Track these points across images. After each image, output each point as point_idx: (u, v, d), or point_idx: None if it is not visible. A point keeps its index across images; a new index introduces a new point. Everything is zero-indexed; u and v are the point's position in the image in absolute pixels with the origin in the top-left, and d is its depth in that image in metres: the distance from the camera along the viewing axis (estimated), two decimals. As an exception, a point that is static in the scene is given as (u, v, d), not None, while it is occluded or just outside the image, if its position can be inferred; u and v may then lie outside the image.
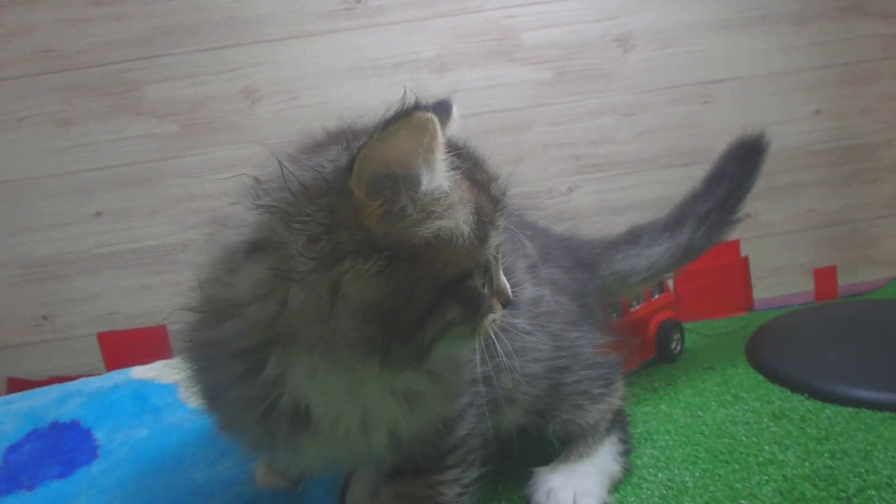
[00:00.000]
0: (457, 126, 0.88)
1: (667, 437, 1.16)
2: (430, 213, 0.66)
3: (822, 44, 1.84)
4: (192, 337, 0.80)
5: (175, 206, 1.75)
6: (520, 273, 0.99)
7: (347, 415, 0.78)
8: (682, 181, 1.79)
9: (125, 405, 1.35)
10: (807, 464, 1.02)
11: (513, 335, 0.93)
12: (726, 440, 1.12)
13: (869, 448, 1.04)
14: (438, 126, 0.62)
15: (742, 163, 1.32)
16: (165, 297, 1.77)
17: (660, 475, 1.04)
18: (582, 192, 1.84)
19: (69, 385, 1.45)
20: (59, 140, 1.71)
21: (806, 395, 1.26)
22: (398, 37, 1.75)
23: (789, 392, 1.28)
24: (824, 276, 1.92)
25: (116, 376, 1.46)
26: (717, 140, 1.80)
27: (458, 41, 1.76)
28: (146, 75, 1.72)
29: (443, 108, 0.85)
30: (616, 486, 1.02)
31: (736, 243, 1.87)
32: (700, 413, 1.24)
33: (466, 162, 0.71)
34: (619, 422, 1.10)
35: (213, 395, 0.84)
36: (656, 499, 0.98)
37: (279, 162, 0.68)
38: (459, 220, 0.68)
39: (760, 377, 1.37)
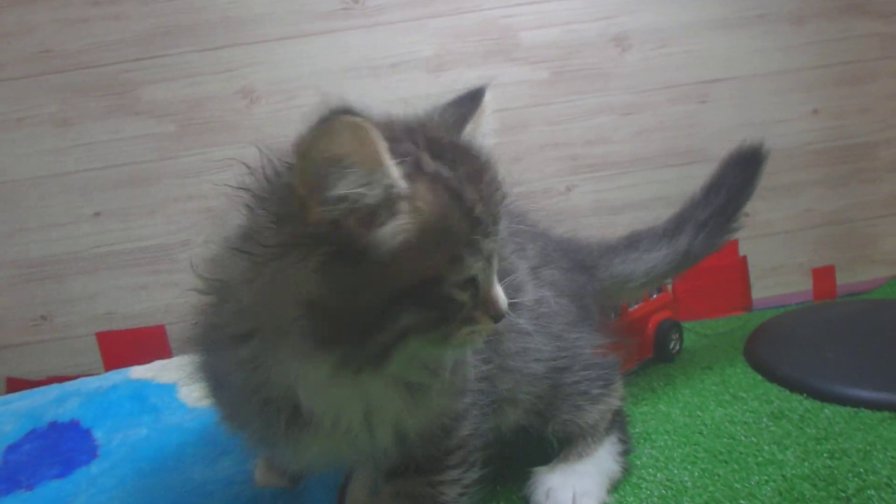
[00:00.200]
0: (487, 119, 0.85)
1: (666, 437, 1.16)
2: (368, 218, 0.65)
3: (821, 43, 1.84)
4: (199, 320, 0.81)
5: (173, 205, 1.75)
6: (522, 274, 0.99)
7: (348, 411, 0.78)
8: (680, 181, 1.80)
9: (124, 405, 1.35)
10: (806, 463, 1.02)
11: (515, 336, 0.93)
12: (725, 440, 1.12)
13: (868, 448, 1.04)
14: (369, 133, 0.61)
15: (741, 171, 1.33)
16: (163, 297, 1.77)
17: (659, 475, 1.04)
18: (579, 192, 1.84)
19: (68, 385, 1.45)
20: (57, 140, 1.71)
21: (805, 394, 1.26)
22: (396, 36, 1.75)
23: (788, 392, 1.28)
24: (823, 276, 1.93)
25: (115, 376, 1.47)
26: (715, 140, 1.82)
27: (456, 41, 1.76)
28: (144, 76, 1.72)
29: (468, 100, 0.84)
30: (615, 486, 1.02)
31: (734, 243, 1.87)
32: (699, 413, 1.24)
33: (449, 172, 0.70)
34: (618, 422, 1.10)
35: (217, 384, 0.85)
36: (655, 499, 0.98)
37: (260, 150, 0.71)
38: (410, 230, 0.66)
39: (759, 377, 1.37)
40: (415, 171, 0.67)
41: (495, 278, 0.76)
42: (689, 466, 1.05)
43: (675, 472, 1.04)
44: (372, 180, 0.64)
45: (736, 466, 1.04)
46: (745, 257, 1.90)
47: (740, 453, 1.07)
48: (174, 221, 1.76)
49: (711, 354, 1.53)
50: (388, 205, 0.65)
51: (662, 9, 1.80)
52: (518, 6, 1.77)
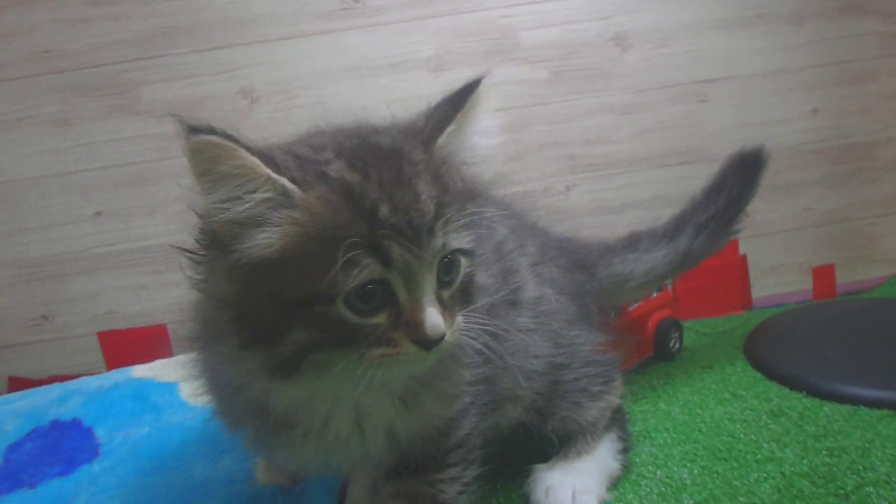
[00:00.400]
0: (484, 115, 0.79)
1: (665, 435, 1.16)
2: (238, 228, 0.67)
3: (820, 43, 1.85)
4: (192, 317, 0.82)
5: (173, 205, 1.75)
6: (524, 272, 0.99)
7: (337, 417, 0.79)
8: (679, 180, 1.80)
9: (125, 404, 1.36)
10: (805, 461, 1.02)
11: (515, 334, 0.94)
12: (725, 438, 1.12)
13: (867, 445, 1.04)
14: (225, 149, 0.63)
15: (742, 174, 1.34)
16: (164, 297, 1.77)
17: (658, 472, 1.04)
18: (579, 192, 1.84)
19: (69, 384, 1.45)
20: (57, 140, 1.72)
21: (804, 392, 1.26)
22: (396, 36, 1.75)
23: (787, 390, 1.29)
24: (822, 275, 1.93)
25: (117, 375, 1.47)
26: (715, 139, 1.82)
27: (456, 41, 1.77)
28: (144, 76, 1.72)
29: (456, 98, 0.79)
30: (615, 484, 1.02)
31: (734, 242, 1.87)
32: (698, 411, 1.24)
33: (355, 177, 0.68)
34: (617, 420, 1.10)
35: (213, 383, 0.86)
36: (655, 496, 0.98)
37: None
38: (289, 240, 0.66)
39: (759, 375, 1.38)
40: (309, 181, 0.68)
41: (426, 298, 0.70)
42: (688, 464, 1.05)
43: (675, 469, 1.04)
44: (236, 194, 0.65)
45: (735, 464, 1.04)
46: (744, 256, 1.90)
47: (739, 451, 1.07)
48: (174, 221, 1.76)
49: (711, 353, 1.53)
50: (257, 216, 0.66)
51: (662, 8, 1.80)
52: (517, 6, 1.77)
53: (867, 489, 0.93)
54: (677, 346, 1.55)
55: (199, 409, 1.28)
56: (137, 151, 1.73)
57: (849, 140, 1.89)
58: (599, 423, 1.06)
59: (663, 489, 0.99)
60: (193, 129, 0.62)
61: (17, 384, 1.71)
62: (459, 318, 0.75)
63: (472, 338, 0.76)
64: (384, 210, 0.67)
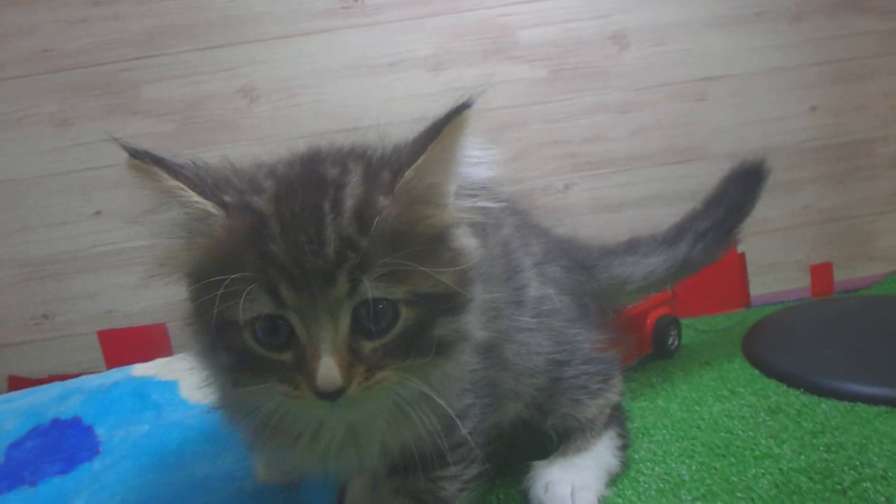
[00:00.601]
0: (466, 143, 0.70)
1: (664, 432, 1.17)
2: (168, 241, 0.72)
3: (818, 40, 1.85)
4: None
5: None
6: (528, 271, 1.00)
7: (328, 428, 0.79)
8: (678, 179, 1.81)
9: (126, 402, 1.36)
10: (802, 457, 1.02)
11: (516, 334, 0.94)
12: (723, 434, 1.13)
13: (864, 441, 1.05)
14: (147, 170, 0.71)
15: (742, 186, 1.35)
16: (164, 296, 1.77)
17: (657, 469, 1.04)
18: (577, 190, 1.85)
19: (70, 382, 1.45)
20: (57, 140, 1.72)
21: (802, 389, 1.26)
22: (394, 35, 1.76)
23: (785, 387, 1.29)
24: (821, 273, 1.93)
25: (117, 373, 1.47)
26: (713, 138, 1.82)
27: (455, 40, 1.77)
28: (144, 75, 1.72)
29: (434, 126, 0.70)
30: (613, 480, 1.02)
31: (732, 240, 1.87)
32: (697, 408, 1.25)
33: (268, 207, 0.68)
34: (616, 416, 1.11)
35: (214, 378, 0.86)
36: (653, 492, 0.98)
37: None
38: (197, 254, 0.71)
39: (757, 372, 1.38)
40: (232, 207, 0.70)
41: (322, 346, 0.66)
42: (686, 460, 1.06)
43: (673, 465, 1.05)
44: (160, 212, 0.71)
45: (733, 460, 1.04)
46: (743, 254, 1.90)
47: (737, 447, 1.08)
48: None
49: (710, 350, 1.53)
50: (176, 234, 0.71)
51: (660, 7, 1.80)
52: (516, 5, 1.77)
53: (864, 485, 0.93)
54: (676, 343, 1.55)
55: (199, 406, 1.29)
56: (137, 151, 1.73)
57: (847, 138, 1.90)
58: (598, 420, 1.07)
59: (661, 485, 1.00)
60: (130, 153, 0.71)
61: (18, 383, 1.72)
62: (386, 374, 0.69)
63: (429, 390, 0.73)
64: (274, 248, 0.65)
